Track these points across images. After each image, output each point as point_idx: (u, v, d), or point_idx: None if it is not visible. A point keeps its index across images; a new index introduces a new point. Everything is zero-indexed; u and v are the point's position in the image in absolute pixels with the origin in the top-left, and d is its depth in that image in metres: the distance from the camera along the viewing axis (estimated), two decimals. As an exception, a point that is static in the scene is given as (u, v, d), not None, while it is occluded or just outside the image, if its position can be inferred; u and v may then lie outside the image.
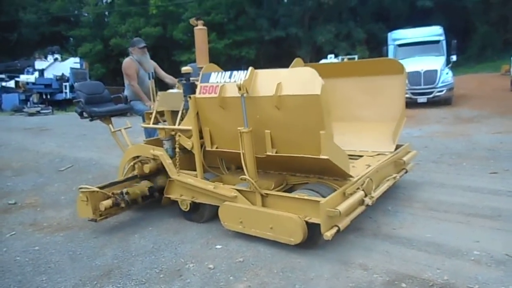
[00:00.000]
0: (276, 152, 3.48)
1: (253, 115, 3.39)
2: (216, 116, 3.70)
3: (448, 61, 13.67)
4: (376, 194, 3.79)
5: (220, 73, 3.64)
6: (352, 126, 5.09)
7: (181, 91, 4.16)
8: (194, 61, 4.56)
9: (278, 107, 3.25)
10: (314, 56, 30.98)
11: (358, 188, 3.58)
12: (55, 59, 25.69)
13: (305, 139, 3.28)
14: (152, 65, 5.99)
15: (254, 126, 3.42)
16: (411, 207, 4.29)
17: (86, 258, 3.49)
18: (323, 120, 3.12)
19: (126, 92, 5.82)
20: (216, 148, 3.89)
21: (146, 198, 4.23)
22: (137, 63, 5.82)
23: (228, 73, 3.57)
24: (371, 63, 5.24)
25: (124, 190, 4.01)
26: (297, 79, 3.20)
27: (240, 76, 3.44)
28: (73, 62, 25.99)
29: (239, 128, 3.40)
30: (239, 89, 3.29)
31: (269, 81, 3.30)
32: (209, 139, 3.88)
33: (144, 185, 4.22)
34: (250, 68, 3.39)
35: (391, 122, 4.82)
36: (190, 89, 3.87)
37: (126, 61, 5.87)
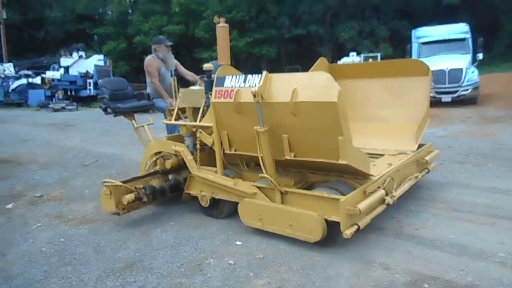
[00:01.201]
0: (294, 156, 3.44)
1: (270, 120, 3.33)
2: (232, 120, 3.65)
3: (474, 60, 13.34)
4: (397, 193, 3.74)
5: (234, 76, 3.55)
6: (374, 127, 5.05)
7: (203, 88, 4.19)
8: (216, 59, 4.59)
9: (294, 113, 3.17)
10: (335, 54, 30.68)
11: (379, 187, 3.54)
12: (80, 56, 26.19)
13: (323, 144, 3.23)
14: (174, 63, 6.06)
15: (271, 130, 3.37)
16: (434, 207, 4.22)
17: (110, 251, 3.57)
18: (341, 126, 3.04)
19: (148, 90, 5.91)
20: (235, 151, 3.87)
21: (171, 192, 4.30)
22: (159, 61, 5.89)
23: (242, 77, 3.49)
24: (396, 64, 5.16)
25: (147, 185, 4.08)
26: (313, 85, 3.12)
27: (254, 80, 3.35)
28: (97, 59, 26.50)
29: (255, 127, 3.34)
30: (254, 96, 3.21)
31: (284, 86, 3.22)
32: (227, 142, 3.86)
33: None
34: (265, 73, 3.30)
35: (415, 123, 4.74)
36: (212, 86, 3.89)
37: (148, 59, 5.95)
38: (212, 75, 3.97)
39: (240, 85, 3.47)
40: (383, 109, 5.07)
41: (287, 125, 3.31)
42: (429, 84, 4.89)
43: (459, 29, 14.08)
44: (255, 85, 3.29)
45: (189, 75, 6.11)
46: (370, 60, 19.80)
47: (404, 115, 4.91)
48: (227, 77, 3.60)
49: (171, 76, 4.70)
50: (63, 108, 20.80)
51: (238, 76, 3.53)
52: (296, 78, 3.26)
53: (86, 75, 24.58)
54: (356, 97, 5.23)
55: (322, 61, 5.46)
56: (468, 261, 3.04)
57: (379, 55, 24.13)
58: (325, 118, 3.08)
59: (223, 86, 3.59)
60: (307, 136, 3.28)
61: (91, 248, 3.63)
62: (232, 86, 3.52)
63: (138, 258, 3.39)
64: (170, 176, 4.40)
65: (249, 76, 3.43)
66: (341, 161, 3.19)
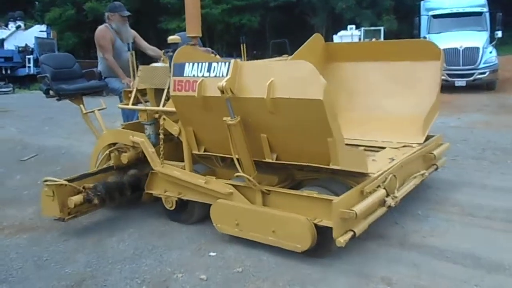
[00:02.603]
0: (277, 159, 3.43)
1: (244, 118, 3.26)
2: (198, 117, 3.58)
3: (491, 38, 13.59)
4: (400, 193, 3.79)
5: (195, 64, 3.44)
6: (376, 116, 5.09)
7: (167, 65, 4.13)
8: (184, 30, 4.54)
9: (272, 111, 3.11)
10: (331, 26, 30.78)
11: (378, 186, 3.56)
12: (18, 27, 25.59)
13: (310, 146, 3.22)
14: (131, 34, 5.95)
15: (247, 130, 3.31)
16: (445, 211, 4.30)
17: (54, 265, 3.51)
18: (330, 126, 3.00)
19: (99, 67, 5.80)
20: (205, 150, 3.82)
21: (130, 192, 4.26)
22: (114, 32, 5.77)
23: (205, 64, 3.38)
24: (404, 45, 5.22)
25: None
26: (293, 77, 3.04)
27: (221, 69, 3.25)
28: (38, 30, 25.87)
29: (225, 118, 3.23)
30: (222, 92, 3.11)
31: (258, 77, 3.15)
32: (194, 141, 3.80)
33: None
34: (233, 61, 3.22)
35: (422, 113, 4.79)
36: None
37: (100, 30, 5.81)
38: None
39: (204, 75, 3.37)
40: (386, 97, 5.11)
41: (265, 124, 3.26)
42: (440, 69, 4.95)
43: (475, 2, 14.30)
44: (222, 75, 3.20)
45: (150, 49, 6.03)
46: (373, 39, 19.94)
47: (411, 104, 4.95)
48: (186, 64, 3.49)
49: (128, 50, 4.60)
50: (-3, 90, 20.35)
51: (200, 63, 3.42)
52: (271, 68, 3.21)
53: (25, 50, 23.99)
54: (355, 83, 5.27)
55: (316, 38, 5.46)
56: (484, 275, 3.10)
57: (382, 29, 24.32)
58: (310, 118, 3.03)
59: (183, 75, 3.48)
60: (290, 137, 3.25)
61: (31, 262, 3.57)
62: (194, 76, 3.42)
63: (89, 274, 3.34)
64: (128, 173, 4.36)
65: (214, 64, 3.33)
66: (332, 166, 3.19)
